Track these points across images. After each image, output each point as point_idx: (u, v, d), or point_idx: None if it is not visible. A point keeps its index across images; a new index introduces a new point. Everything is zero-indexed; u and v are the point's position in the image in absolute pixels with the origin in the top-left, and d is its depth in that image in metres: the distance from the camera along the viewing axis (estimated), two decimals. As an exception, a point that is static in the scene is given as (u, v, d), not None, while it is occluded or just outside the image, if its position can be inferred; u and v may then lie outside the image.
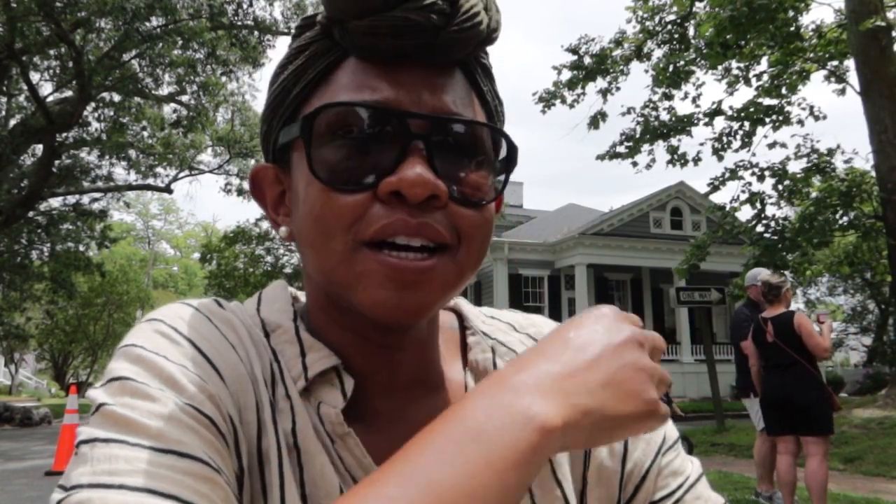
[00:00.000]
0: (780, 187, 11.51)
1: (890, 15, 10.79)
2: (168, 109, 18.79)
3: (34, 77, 15.60)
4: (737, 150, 13.29)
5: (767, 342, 4.91)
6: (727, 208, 12.38)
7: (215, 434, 0.47)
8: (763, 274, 5.47)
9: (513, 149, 0.56)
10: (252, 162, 21.92)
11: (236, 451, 0.49)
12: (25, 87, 14.45)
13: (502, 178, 0.57)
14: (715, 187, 12.45)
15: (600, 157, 14.06)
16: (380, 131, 0.51)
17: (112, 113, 17.50)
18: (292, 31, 0.60)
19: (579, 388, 0.42)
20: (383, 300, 0.50)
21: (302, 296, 0.66)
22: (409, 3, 0.50)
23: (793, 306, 5.34)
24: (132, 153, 19.24)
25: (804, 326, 4.76)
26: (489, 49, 0.60)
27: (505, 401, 0.41)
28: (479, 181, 0.54)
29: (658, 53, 14.18)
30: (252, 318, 0.59)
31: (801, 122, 13.06)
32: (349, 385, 0.56)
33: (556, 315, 22.11)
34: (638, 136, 13.63)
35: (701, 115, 13.45)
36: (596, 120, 14.12)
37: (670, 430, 0.65)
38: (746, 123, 13.04)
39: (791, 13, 12.05)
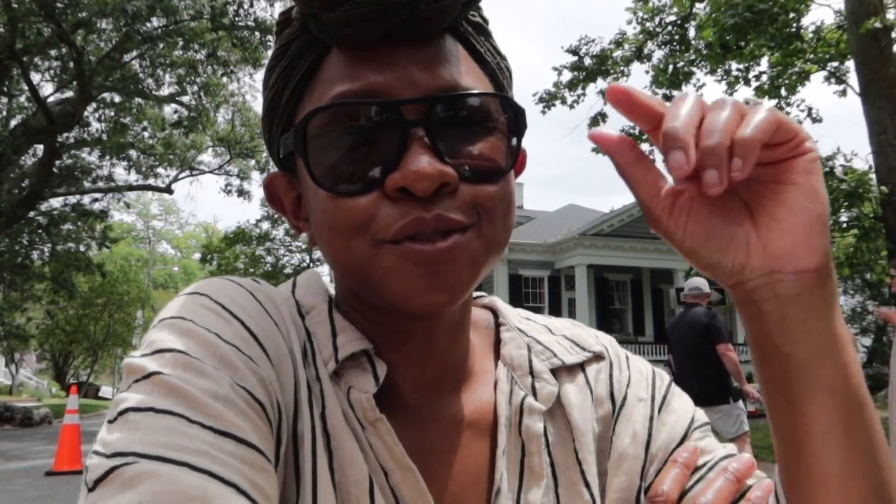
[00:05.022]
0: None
1: (889, 16, 10.79)
2: (169, 110, 18.80)
3: (35, 77, 15.62)
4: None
5: None
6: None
7: (265, 421, 0.46)
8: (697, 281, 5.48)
9: (519, 112, 0.53)
10: (252, 162, 21.93)
11: (277, 437, 0.48)
12: (26, 88, 14.45)
13: (514, 140, 0.53)
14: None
15: (596, 151, 14.05)
16: (375, 125, 0.49)
17: (113, 113, 17.50)
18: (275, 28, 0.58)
19: None
20: (415, 289, 0.49)
21: (330, 287, 0.65)
22: None
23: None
24: (133, 153, 19.24)
25: None
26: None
27: None
28: (490, 153, 0.51)
29: (659, 54, 14.19)
30: (287, 299, 0.58)
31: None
32: (381, 370, 0.54)
33: (555, 315, 22.03)
34: (636, 134, 13.63)
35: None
36: (596, 120, 14.12)
37: (699, 413, 0.64)
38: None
39: (791, 15, 12.05)
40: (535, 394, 0.60)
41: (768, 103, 0.43)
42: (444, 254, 0.48)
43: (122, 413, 0.42)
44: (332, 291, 0.62)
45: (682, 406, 0.64)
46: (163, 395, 0.42)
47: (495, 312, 0.68)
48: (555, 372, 0.62)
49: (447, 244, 0.48)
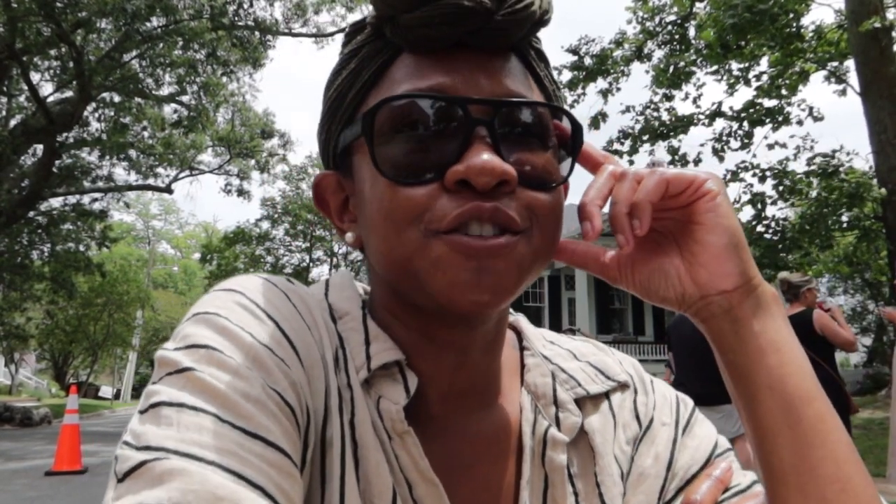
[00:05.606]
0: (781, 188, 11.51)
1: (889, 15, 10.79)
2: (168, 110, 18.79)
3: (35, 77, 15.61)
4: (736, 150, 13.28)
5: None
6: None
7: (294, 425, 0.46)
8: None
9: (577, 128, 0.55)
10: (252, 162, 21.92)
11: (304, 441, 0.48)
12: (26, 88, 14.45)
13: (567, 161, 0.56)
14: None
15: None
16: (441, 120, 0.50)
17: (112, 113, 17.49)
18: (342, 38, 0.60)
19: None
20: (461, 284, 0.49)
21: (360, 287, 0.65)
22: None
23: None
24: (133, 153, 19.24)
25: (827, 326, 4.62)
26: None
27: None
28: (546, 164, 0.53)
29: (659, 54, 14.18)
30: (320, 302, 0.58)
31: (800, 123, 13.05)
32: (412, 382, 0.54)
33: (555, 315, 22.10)
34: (636, 133, 13.63)
35: (701, 116, 13.45)
36: (597, 120, 14.11)
37: (722, 440, 0.65)
38: (746, 124, 13.04)
39: (791, 14, 12.05)
40: (558, 424, 0.60)
41: (662, 169, 0.54)
42: (495, 250, 0.49)
43: (154, 406, 0.43)
44: (365, 296, 0.63)
45: (705, 433, 0.65)
46: (196, 391, 0.43)
47: (518, 332, 0.68)
48: (578, 401, 0.62)
49: (500, 241, 0.49)
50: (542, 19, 0.54)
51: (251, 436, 0.42)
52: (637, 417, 0.64)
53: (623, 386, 0.65)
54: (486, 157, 0.48)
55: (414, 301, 0.54)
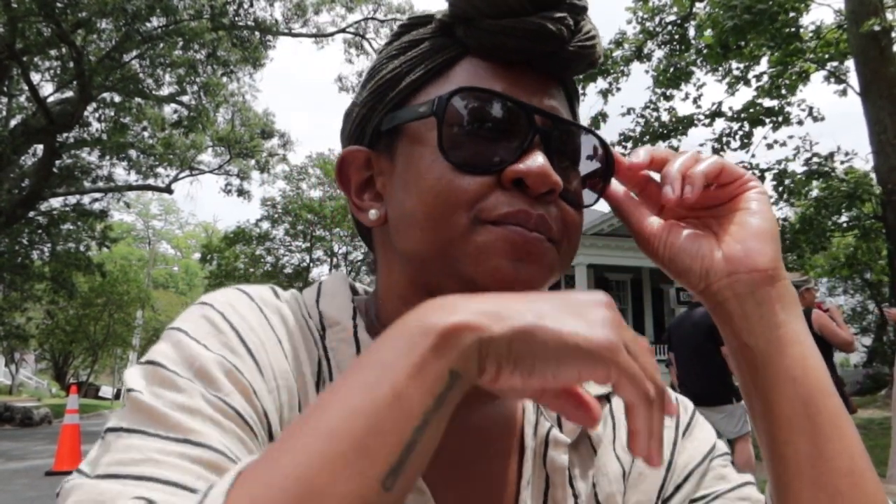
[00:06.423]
0: (780, 188, 11.51)
1: (889, 16, 10.79)
2: (169, 110, 18.79)
3: (35, 77, 15.61)
4: (735, 150, 13.29)
5: None
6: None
7: (241, 426, 0.46)
8: None
9: (611, 160, 0.59)
10: (252, 162, 21.92)
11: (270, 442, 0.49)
12: (26, 88, 14.45)
13: (596, 189, 0.60)
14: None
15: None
16: (508, 122, 0.53)
17: (113, 113, 17.49)
18: (395, 28, 0.62)
19: (501, 302, 0.39)
20: (503, 270, 0.51)
21: (359, 286, 0.66)
22: (543, 11, 0.53)
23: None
24: (133, 153, 19.24)
25: (826, 327, 4.63)
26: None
27: (407, 325, 0.38)
28: (579, 185, 0.58)
29: (658, 54, 14.19)
30: (311, 309, 0.59)
31: (800, 122, 13.06)
32: None
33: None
34: (637, 136, 13.63)
35: (701, 116, 13.45)
36: (597, 120, 14.11)
37: (720, 443, 0.66)
38: (746, 124, 13.04)
39: (791, 14, 12.05)
40: (560, 425, 0.62)
41: (717, 157, 0.57)
42: (537, 244, 0.52)
43: (104, 432, 0.46)
44: (365, 295, 0.64)
45: (704, 435, 0.66)
46: (133, 412, 0.45)
47: None
48: None
49: (542, 237, 0.52)
50: (597, 62, 0.59)
51: (176, 441, 0.43)
52: None
53: None
54: (543, 162, 0.52)
55: (438, 285, 0.54)
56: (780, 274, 0.54)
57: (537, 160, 0.51)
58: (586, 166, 0.58)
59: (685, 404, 0.68)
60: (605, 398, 0.65)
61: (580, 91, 0.65)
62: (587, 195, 0.59)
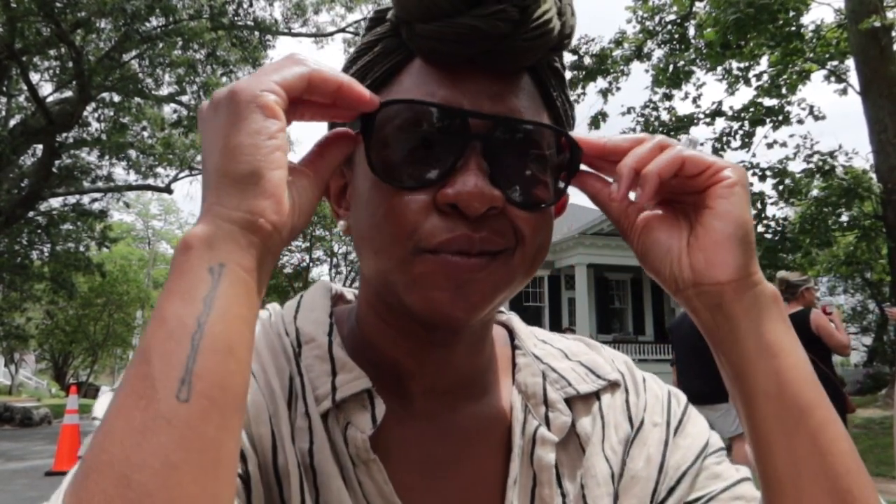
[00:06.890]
0: (781, 187, 11.51)
1: (889, 15, 10.78)
2: (168, 110, 18.77)
3: (34, 77, 15.60)
4: (736, 150, 13.29)
5: None
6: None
7: None
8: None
9: (576, 150, 0.55)
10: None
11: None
12: (25, 88, 14.43)
13: (563, 181, 0.56)
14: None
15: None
16: (440, 130, 0.50)
17: (112, 113, 17.47)
18: (364, 23, 0.61)
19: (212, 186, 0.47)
20: (438, 301, 0.50)
21: (348, 293, 0.66)
22: (476, 9, 0.49)
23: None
24: (132, 153, 19.21)
25: (823, 327, 4.62)
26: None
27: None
28: (537, 184, 0.53)
29: (658, 53, 14.18)
30: (288, 325, 0.59)
31: (800, 122, 13.05)
32: (380, 411, 0.54)
33: (555, 315, 22.10)
34: (635, 128, 13.62)
35: (701, 116, 13.45)
36: (597, 120, 14.10)
37: (714, 437, 0.64)
38: (746, 123, 13.04)
39: (791, 13, 12.04)
40: (548, 424, 0.60)
41: (681, 147, 0.51)
42: (478, 270, 0.50)
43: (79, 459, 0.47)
44: (349, 297, 0.64)
45: (697, 430, 0.64)
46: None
47: (511, 331, 0.68)
48: (569, 401, 0.62)
49: (480, 261, 0.50)
50: (561, 43, 0.54)
51: None
52: (629, 418, 0.64)
53: (614, 385, 0.65)
54: (477, 182, 0.48)
55: (394, 304, 0.55)
56: (751, 280, 0.50)
57: (468, 182, 0.48)
58: (546, 161, 0.54)
59: (678, 397, 0.67)
60: (594, 395, 0.64)
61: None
62: (551, 191, 0.54)
